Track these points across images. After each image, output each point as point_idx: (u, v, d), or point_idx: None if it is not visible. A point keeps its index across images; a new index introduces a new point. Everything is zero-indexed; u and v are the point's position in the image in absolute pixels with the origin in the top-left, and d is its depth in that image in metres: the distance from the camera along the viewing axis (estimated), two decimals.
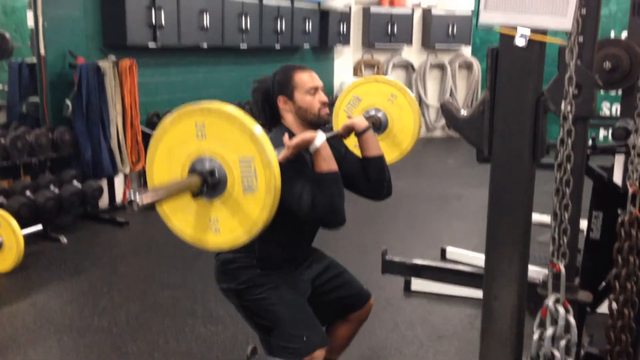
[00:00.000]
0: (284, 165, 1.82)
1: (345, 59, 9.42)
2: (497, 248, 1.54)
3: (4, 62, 6.09)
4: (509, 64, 1.46)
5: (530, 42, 1.42)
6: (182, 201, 1.72)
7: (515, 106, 1.47)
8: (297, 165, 2.02)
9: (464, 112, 1.66)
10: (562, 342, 1.43)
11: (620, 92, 4.29)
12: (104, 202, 5.64)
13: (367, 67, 9.62)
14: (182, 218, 1.76)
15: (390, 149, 2.65)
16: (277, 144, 1.95)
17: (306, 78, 2.19)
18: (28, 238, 4.43)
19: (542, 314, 1.46)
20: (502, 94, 1.48)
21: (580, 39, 1.44)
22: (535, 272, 3.36)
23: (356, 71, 9.57)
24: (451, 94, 9.72)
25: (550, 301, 1.44)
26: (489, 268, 1.56)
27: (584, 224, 2.65)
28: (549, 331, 1.43)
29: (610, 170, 4.07)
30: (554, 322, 1.44)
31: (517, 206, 1.51)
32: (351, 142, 2.41)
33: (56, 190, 4.85)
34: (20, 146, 4.81)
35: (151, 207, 1.59)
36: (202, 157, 1.69)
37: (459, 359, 3.08)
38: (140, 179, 6.09)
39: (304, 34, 8.05)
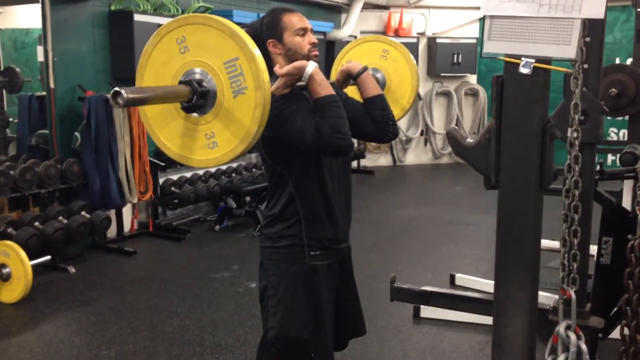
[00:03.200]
0: (282, 103, 1.81)
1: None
2: (506, 274, 1.53)
3: (15, 95, 6.18)
4: (514, 92, 1.47)
5: (535, 69, 1.44)
6: (171, 118, 1.70)
7: (521, 134, 1.48)
8: (294, 101, 2.00)
9: (470, 140, 1.67)
10: None
11: (627, 117, 4.30)
12: (112, 231, 5.66)
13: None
14: (170, 134, 1.74)
15: (392, 107, 2.62)
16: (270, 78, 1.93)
17: (295, 20, 2.16)
18: (36, 268, 4.43)
19: (554, 340, 1.45)
20: (508, 121, 1.49)
21: (585, 66, 1.45)
22: (546, 297, 3.34)
23: None
24: (457, 122, 9.75)
25: (561, 328, 1.44)
26: (499, 295, 1.55)
27: (594, 249, 2.64)
28: (561, 358, 1.42)
29: (619, 195, 4.06)
30: (566, 348, 1.43)
31: (525, 232, 1.51)
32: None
33: (65, 221, 4.87)
34: (30, 178, 4.84)
35: (135, 103, 1.54)
36: (189, 71, 1.68)
37: None
38: (148, 208, 6.11)
39: None
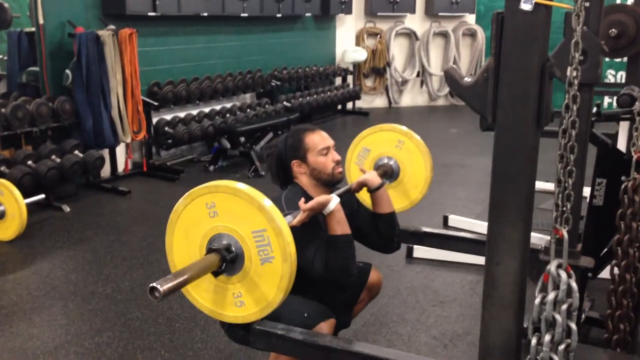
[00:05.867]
0: (298, 229, 1.86)
1: (347, 28, 9.32)
2: (500, 214, 1.54)
3: (3, 32, 6.05)
4: (515, 29, 1.44)
5: (536, 6, 1.40)
6: (203, 278, 1.76)
7: (520, 72, 1.45)
8: (310, 228, 2.05)
9: (468, 79, 1.64)
10: (564, 307, 1.44)
11: (625, 59, 4.25)
12: (105, 171, 5.65)
13: (369, 36, 9.53)
14: (202, 292, 1.81)
15: (401, 199, 2.74)
16: (293, 205, 2.02)
17: (317, 139, 2.21)
18: (31, 207, 4.45)
19: (544, 278, 1.46)
20: (507, 59, 1.46)
21: (587, 4, 1.41)
22: (538, 238, 3.38)
23: (358, 40, 9.48)
24: (454, 63, 9.64)
25: (552, 266, 1.45)
26: (492, 234, 1.56)
27: (587, 190, 2.66)
28: (551, 295, 1.44)
29: (614, 137, 4.06)
30: (556, 286, 1.45)
31: (520, 173, 1.50)
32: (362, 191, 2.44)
33: (58, 160, 4.86)
34: (21, 116, 4.79)
35: (172, 293, 1.58)
36: (218, 235, 1.73)
37: (461, 324, 3.11)
38: (142, 148, 6.09)
39: (305, 2, 7.96)
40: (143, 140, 5.90)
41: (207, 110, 6.57)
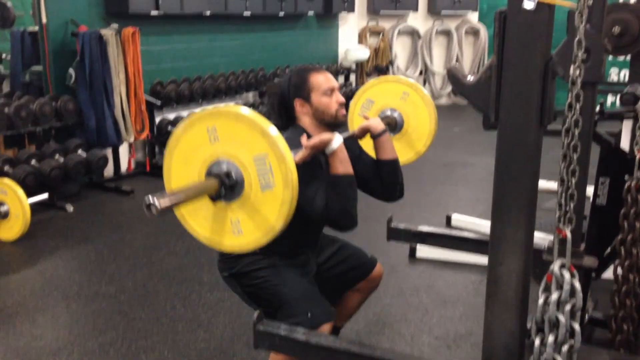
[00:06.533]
0: (299, 168, 1.82)
1: (350, 26, 9.31)
2: (503, 214, 1.53)
3: (7, 31, 6.06)
4: (517, 27, 1.44)
5: (539, 5, 1.39)
6: (200, 204, 1.73)
7: (523, 71, 1.45)
8: (311, 167, 2.01)
9: (470, 78, 1.64)
10: (567, 307, 1.44)
11: (629, 57, 4.23)
12: (109, 171, 5.65)
13: (372, 34, 9.51)
14: (200, 220, 1.78)
15: (406, 150, 2.67)
16: (294, 143, 1.95)
17: (322, 79, 2.17)
18: (34, 207, 4.46)
19: (548, 279, 1.46)
20: (510, 58, 1.46)
21: (590, 2, 1.41)
22: (541, 238, 3.37)
23: (361, 39, 9.46)
24: (457, 61, 9.62)
25: (555, 266, 1.45)
26: (495, 234, 1.55)
27: (590, 190, 2.64)
28: (554, 295, 1.44)
29: (617, 136, 4.04)
30: (559, 287, 1.44)
31: (523, 172, 1.50)
32: (365, 143, 2.40)
33: (61, 159, 4.86)
34: (24, 115, 4.80)
35: (169, 211, 1.57)
36: (218, 161, 1.69)
37: (464, 324, 3.10)
38: (145, 148, 6.09)
39: (308, 1, 7.95)
40: (146, 139, 5.90)
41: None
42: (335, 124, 2.18)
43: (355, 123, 2.68)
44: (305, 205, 1.94)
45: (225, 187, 1.67)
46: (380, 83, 2.71)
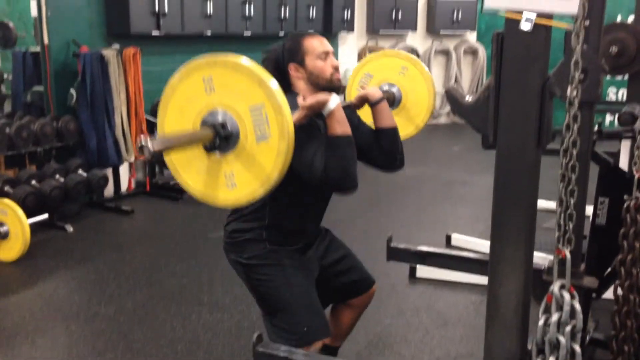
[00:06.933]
0: (296, 131, 1.78)
1: (349, 46, 9.37)
2: (502, 234, 1.53)
3: (8, 51, 6.10)
4: (515, 48, 1.45)
5: (536, 26, 1.41)
6: (194, 157, 1.70)
7: (520, 91, 1.46)
8: (309, 130, 1.97)
9: (469, 98, 1.65)
10: (568, 328, 1.43)
11: (626, 77, 4.25)
12: (109, 190, 5.65)
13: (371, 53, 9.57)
14: (193, 174, 1.74)
15: (405, 124, 2.62)
16: (291, 106, 1.88)
17: (316, 43, 2.15)
18: (34, 227, 4.45)
19: (548, 299, 1.45)
20: (508, 79, 1.47)
21: (587, 23, 1.42)
22: (541, 258, 3.35)
23: (360, 58, 9.53)
24: (456, 81, 9.67)
25: (555, 287, 1.44)
26: (494, 254, 1.55)
27: (589, 210, 2.64)
28: (555, 317, 1.43)
29: (616, 155, 4.05)
30: (560, 308, 1.44)
31: (522, 192, 1.50)
32: (364, 114, 2.36)
33: (62, 179, 4.87)
34: (25, 135, 4.81)
35: (161, 154, 1.54)
36: (213, 111, 1.67)
37: (464, 345, 3.08)
38: (145, 168, 6.10)
39: (308, 21, 8.01)
40: (146, 159, 5.90)
41: None
42: (331, 87, 2.15)
43: (353, 97, 2.68)
44: (304, 168, 1.92)
45: (220, 137, 1.65)
46: (379, 57, 2.69)
